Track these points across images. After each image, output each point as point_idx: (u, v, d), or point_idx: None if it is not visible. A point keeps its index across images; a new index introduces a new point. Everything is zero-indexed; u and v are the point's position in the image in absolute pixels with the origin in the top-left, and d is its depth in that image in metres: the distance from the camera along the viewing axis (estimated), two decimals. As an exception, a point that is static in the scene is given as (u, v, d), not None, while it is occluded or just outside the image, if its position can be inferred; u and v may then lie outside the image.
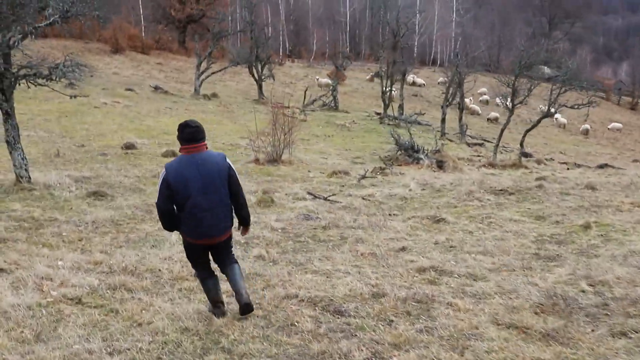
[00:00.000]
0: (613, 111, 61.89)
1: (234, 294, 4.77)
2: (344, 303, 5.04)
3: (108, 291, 5.22)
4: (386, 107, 27.40)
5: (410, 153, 17.86)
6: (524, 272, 6.29)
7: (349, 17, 71.91)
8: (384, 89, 27.57)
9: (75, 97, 9.89)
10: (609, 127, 49.58)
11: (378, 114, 29.50)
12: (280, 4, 64.88)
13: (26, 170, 9.83)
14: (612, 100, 68.19)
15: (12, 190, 9.61)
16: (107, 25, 42.25)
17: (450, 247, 7.50)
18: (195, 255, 4.77)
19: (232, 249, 4.98)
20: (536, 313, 4.76)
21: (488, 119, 38.06)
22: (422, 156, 17.29)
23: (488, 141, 28.22)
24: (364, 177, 13.55)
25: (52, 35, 37.96)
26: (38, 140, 14.87)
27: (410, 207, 10.68)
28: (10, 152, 9.72)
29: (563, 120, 43.71)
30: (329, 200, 10.83)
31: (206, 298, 4.89)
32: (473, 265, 6.49)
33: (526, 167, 18.45)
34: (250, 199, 10.27)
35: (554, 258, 7.00)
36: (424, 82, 49.41)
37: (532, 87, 17.72)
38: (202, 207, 4.47)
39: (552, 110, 18.11)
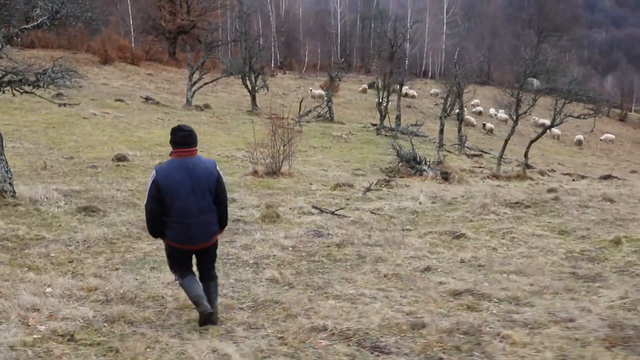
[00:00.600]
0: (603, 123, 61.87)
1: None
2: (381, 337, 4.36)
3: (105, 324, 4.48)
4: (382, 118, 26.83)
5: (412, 165, 17.27)
6: (569, 294, 5.65)
7: (339, 29, 71.68)
8: (380, 100, 27.02)
9: (64, 105, 9.22)
10: (601, 138, 49.54)
11: (374, 125, 28.94)
12: (271, 15, 64.46)
13: (10, 184, 9.07)
14: (602, 112, 68.43)
15: (-5, 205, 8.84)
16: (96, 36, 41.63)
17: (479, 266, 6.86)
18: (180, 260, 4.72)
19: (216, 257, 5.03)
20: (607, 348, 4.11)
21: (486, 130, 37.61)
22: (425, 168, 16.70)
23: (486, 152, 27.79)
24: (369, 189, 12.91)
25: (40, 46, 37.18)
26: (24, 152, 14.07)
27: (423, 221, 10.04)
28: (-7, 165, 8.96)
29: (557, 131, 43.47)
30: (336, 214, 10.17)
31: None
32: (510, 287, 5.84)
33: (531, 179, 17.94)
34: (254, 213, 9.60)
35: (594, 278, 6.37)
36: (415, 93, 49.03)
37: (537, 97, 17.21)
38: (190, 212, 4.46)
39: (558, 120, 17.58)
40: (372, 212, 10.52)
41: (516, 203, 11.11)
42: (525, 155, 18.99)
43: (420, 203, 11.41)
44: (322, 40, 69.93)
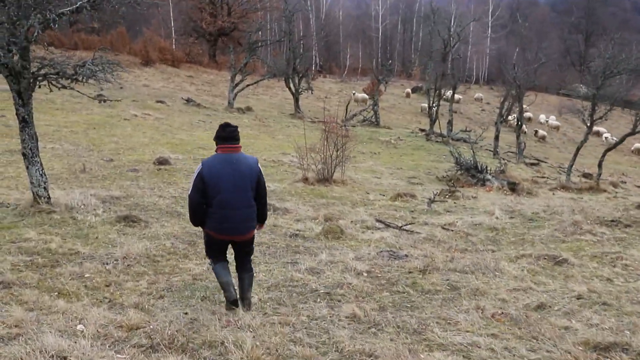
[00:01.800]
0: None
1: (239, 294, 4.90)
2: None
3: (151, 386, 3.37)
4: (433, 123, 25.43)
5: (473, 174, 15.88)
6: None
7: (381, 32, 70.28)
8: (431, 104, 25.61)
9: (104, 101, 8.20)
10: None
11: (422, 130, 27.57)
12: (311, 18, 63.50)
13: (45, 188, 8.12)
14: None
15: (27, 212, 7.89)
16: (137, 38, 41.40)
17: (603, 304, 5.53)
18: (217, 249, 4.91)
19: (253, 250, 5.12)
20: None
21: (538, 137, 35.70)
22: (489, 177, 15.29)
23: (542, 161, 26.10)
24: (433, 200, 11.64)
25: (83, 47, 36.95)
26: (63, 154, 13.24)
27: (505, 240, 8.73)
28: (27, 167, 8.01)
29: (613, 139, 41.25)
30: (404, 230, 8.93)
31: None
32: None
33: (606, 191, 16.34)
34: (313, 227, 8.44)
35: None
36: (461, 97, 47.31)
37: (615, 101, 15.60)
38: (230, 205, 4.61)
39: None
40: (444, 228, 9.26)
41: (612, 221, 9.68)
42: (599, 165, 17.34)
43: (497, 218, 10.08)
44: (363, 43, 68.64)
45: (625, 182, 21.04)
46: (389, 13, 73.69)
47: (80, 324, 4.22)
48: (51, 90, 8.05)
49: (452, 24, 24.22)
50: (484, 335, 4.54)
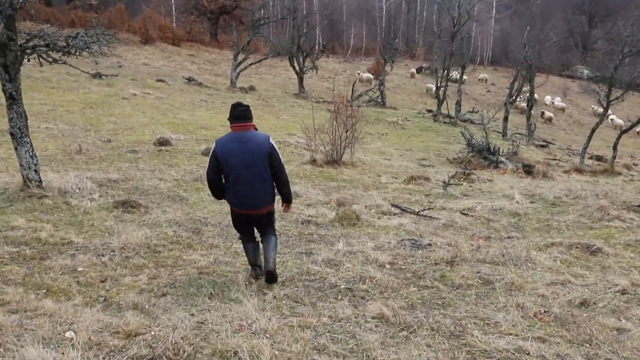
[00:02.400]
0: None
1: (263, 260, 5.05)
2: None
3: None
4: (440, 103, 24.73)
5: (486, 155, 15.27)
6: None
7: (384, 12, 69.07)
8: (439, 84, 24.88)
9: (100, 76, 7.55)
10: (675, 128, 46.10)
11: (429, 111, 26.89)
12: (314, -4, 62.28)
13: (36, 171, 7.52)
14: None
15: (16, 197, 7.32)
16: (136, 16, 40.46)
17: (652, 300, 4.96)
18: (239, 223, 5.12)
19: (274, 222, 5.26)
20: None
21: (544, 119, 34.96)
22: (503, 159, 14.68)
23: (550, 143, 25.44)
24: (448, 184, 11.05)
25: (80, 25, 36.02)
26: (58, 134, 12.63)
27: (529, 226, 8.17)
28: (16, 148, 7.42)
29: (619, 121, 40.50)
30: (422, 215, 8.37)
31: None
32: None
33: (621, 174, 15.75)
34: (326, 213, 7.86)
35: None
36: (466, 78, 46.41)
37: (634, 81, 14.90)
38: (242, 181, 4.80)
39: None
40: (463, 213, 8.69)
41: (639, 206, 9.10)
42: (614, 147, 16.70)
43: (517, 202, 9.50)
44: (367, 23, 67.50)
45: (638, 165, 20.44)
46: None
47: (69, 329, 3.65)
48: (41, 65, 7.43)
49: (460, 1, 23.28)
50: (530, 339, 3.97)
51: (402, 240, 6.57)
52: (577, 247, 6.67)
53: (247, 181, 4.81)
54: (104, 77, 11.27)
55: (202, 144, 13.05)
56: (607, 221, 8.25)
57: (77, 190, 7.88)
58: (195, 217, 7.25)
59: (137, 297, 4.39)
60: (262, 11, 33.29)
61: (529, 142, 21.88)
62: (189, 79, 25.29)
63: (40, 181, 7.59)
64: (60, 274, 4.83)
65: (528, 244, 6.96)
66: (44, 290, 4.45)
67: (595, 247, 6.58)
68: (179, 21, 44.27)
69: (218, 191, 4.99)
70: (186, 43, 40.25)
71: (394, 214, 8.33)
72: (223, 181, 4.93)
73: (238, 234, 5.33)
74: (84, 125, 14.11)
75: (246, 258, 5.22)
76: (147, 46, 35.91)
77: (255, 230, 5.21)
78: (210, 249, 5.98)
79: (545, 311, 4.56)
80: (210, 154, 4.90)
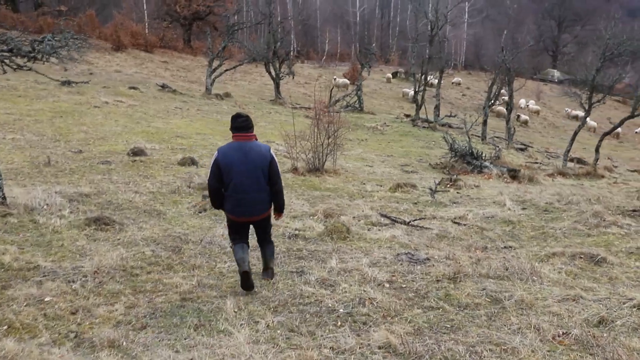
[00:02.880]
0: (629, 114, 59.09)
1: (262, 266, 5.33)
2: None
3: None
4: (419, 108, 24.52)
5: (469, 160, 15.01)
6: None
7: (358, 17, 69.05)
8: (417, 89, 24.66)
9: (70, 84, 7.03)
10: (636, 131, 46.80)
11: (408, 116, 26.66)
12: (288, 3, 61.97)
13: (-1, 187, 6.95)
14: (628, 104, 65.55)
15: (-23, 216, 6.72)
16: (107, 23, 39.58)
17: (670, 316, 4.64)
18: (235, 230, 5.13)
19: (270, 228, 5.35)
20: None
21: (520, 122, 35.04)
22: (487, 164, 14.42)
23: (529, 146, 25.42)
24: (435, 191, 10.71)
25: (48, 32, 35.07)
26: (25, 145, 11.97)
27: (524, 235, 7.85)
28: (-23, 162, 6.83)
29: (593, 123, 40.96)
30: (413, 225, 7.99)
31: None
32: None
33: (604, 177, 15.62)
34: (313, 226, 7.43)
35: None
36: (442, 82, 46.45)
37: (614, 83, 14.79)
38: (242, 190, 4.91)
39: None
40: (455, 222, 8.34)
41: (634, 211, 8.85)
42: (597, 150, 16.60)
43: (509, 209, 9.20)
44: (341, 29, 67.36)
45: (617, 167, 20.45)
46: (366, -2, 72.56)
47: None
48: (4, 72, 6.86)
49: (437, 4, 23.09)
50: (554, 368, 3.59)
51: (398, 254, 6.17)
52: (581, 257, 6.35)
53: (247, 190, 4.91)
54: (73, 84, 10.68)
55: (178, 154, 12.51)
56: (604, 227, 7.97)
57: (45, 207, 7.31)
58: (175, 234, 6.75)
59: (113, 331, 3.89)
60: (237, 17, 32.75)
61: (509, 146, 21.76)
62: (163, 86, 24.65)
63: (4, 197, 7.01)
64: (25, 306, 4.31)
65: (528, 255, 6.62)
66: (5, 327, 3.93)
67: (599, 257, 6.26)
68: (152, 27, 43.43)
69: (219, 199, 5.05)
70: (159, 50, 39.50)
71: (384, 225, 7.94)
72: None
73: (231, 243, 5.26)
74: (53, 135, 13.45)
75: (234, 257, 5.11)
76: (119, 53, 35.10)
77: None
78: (193, 270, 5.50)
79: (564, 333, 4.19)
80: (212, 162, 4.97)
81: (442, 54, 25.71)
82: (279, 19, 36.96)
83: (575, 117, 43.93)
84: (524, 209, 9.41)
